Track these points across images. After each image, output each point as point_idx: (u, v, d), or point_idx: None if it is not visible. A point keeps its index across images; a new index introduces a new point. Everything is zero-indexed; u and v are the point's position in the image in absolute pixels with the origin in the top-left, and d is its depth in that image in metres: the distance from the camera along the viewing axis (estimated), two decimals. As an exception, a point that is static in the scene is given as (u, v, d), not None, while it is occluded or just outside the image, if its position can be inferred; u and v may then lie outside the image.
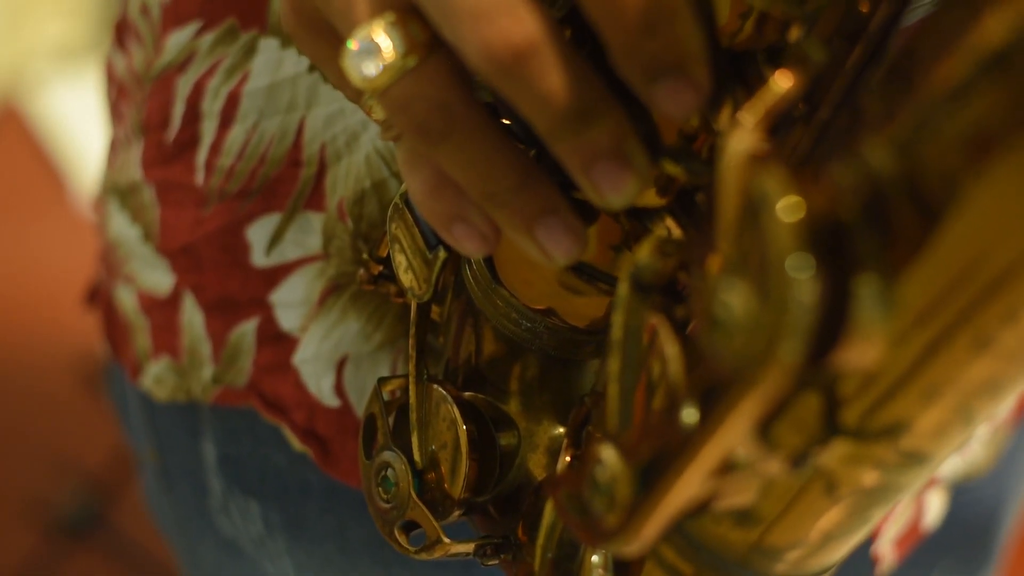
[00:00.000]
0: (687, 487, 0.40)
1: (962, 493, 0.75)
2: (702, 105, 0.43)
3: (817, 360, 0.37)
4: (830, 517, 0.44)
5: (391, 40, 0.43)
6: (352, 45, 0.43)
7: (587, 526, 0.44)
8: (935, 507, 0.72)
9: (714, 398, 0.38)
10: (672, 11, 0.41)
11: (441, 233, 0.47)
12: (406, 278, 0.53)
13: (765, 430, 0.40)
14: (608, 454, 0.42)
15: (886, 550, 0.71)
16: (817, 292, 0.36)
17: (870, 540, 0.70)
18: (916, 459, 0.42)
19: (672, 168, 0.46)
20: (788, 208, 0.36)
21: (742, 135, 0.38)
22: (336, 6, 0.44)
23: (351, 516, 0.66)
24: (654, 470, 0.41)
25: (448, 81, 0.43)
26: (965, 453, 0.72)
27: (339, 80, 0.47)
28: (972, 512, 0.76)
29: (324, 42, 0.46)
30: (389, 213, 0.53)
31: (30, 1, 2.38)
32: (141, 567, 1.80)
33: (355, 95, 0.47)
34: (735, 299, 0.37)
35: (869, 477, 0.42)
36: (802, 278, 0.35)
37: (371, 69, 0.43)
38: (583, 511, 0.44)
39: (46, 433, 1.91)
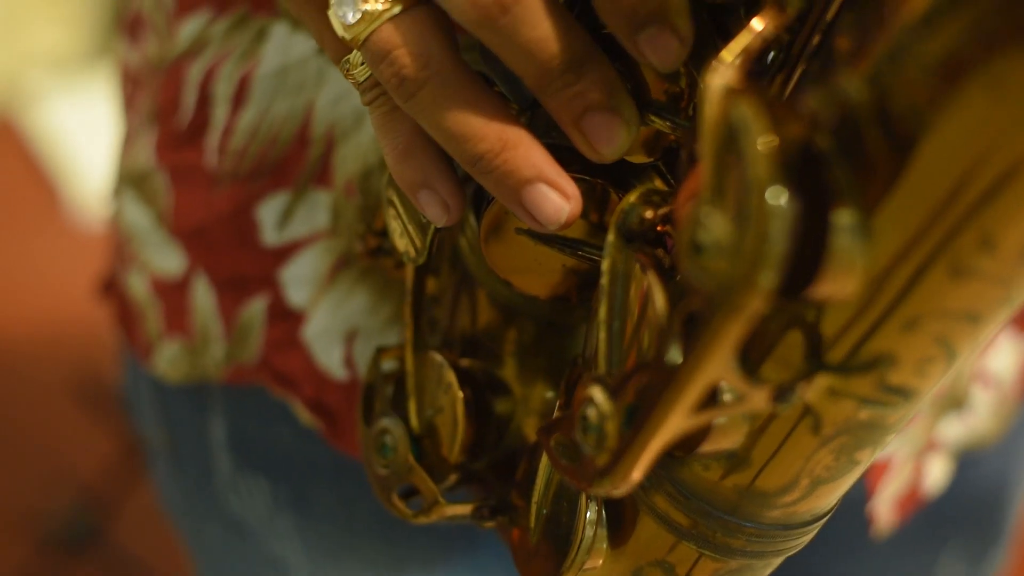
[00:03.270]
0: (673, 421, 0.41)
1: (970, 468, 0.75)
2: (686, 55, 0.44)
3: (797, 293, 0.38)
4: (818, 459, 0.45)
5: None
6: None
7: (577, 469, 0.44)
8: (936, 471, 0.72)
9: (696, 328, 0.39)
10: None
11: (409, 198, 0.48)
12: (401, 243, 0.53)
13: (750, 367, 0.41)
14: (596, 394, 0.43)
15: (884, 509, 0.71)
16: (793, 218, 0.36)
17: (866, 498, 0.70)
18: (900, 394, 0.42)
19: (659, 123, 0.47)
20: (766, 137, 0.37)
21: (721, 70, 0.39)
22: None
23: (358, 493, 0.67)
24: (641, 407, 0.42)
25: (430, 32, 0.44)
26: (969, 421, 0.73)
27: (322, 37, 0.48)
28: (981, 488, 0.77)
29: (311, 1, 0.47)
30: (384, 179, 0.54)
31: (24, 12, 2.39)
32: (137, 581, 1.80)
33: (336, 56, 0.48)
34: (715, 226, 0.37)
35: (854, 413, 0.43)
36: (779, 205, 0.36)
37: (352, 16, 0.44)
38: (574, 455, 0.45)
39: (41, 445, 1.91)
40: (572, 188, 0.47)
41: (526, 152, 0.46)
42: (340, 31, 0.45)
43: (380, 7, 0.44)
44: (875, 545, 0.73)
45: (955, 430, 0.73)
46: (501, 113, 0.46)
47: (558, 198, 0.46)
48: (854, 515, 0.71)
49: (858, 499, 0.70)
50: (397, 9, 0.44)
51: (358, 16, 0.44)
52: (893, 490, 0.71)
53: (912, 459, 0.71)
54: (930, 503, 0.74)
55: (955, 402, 0.72)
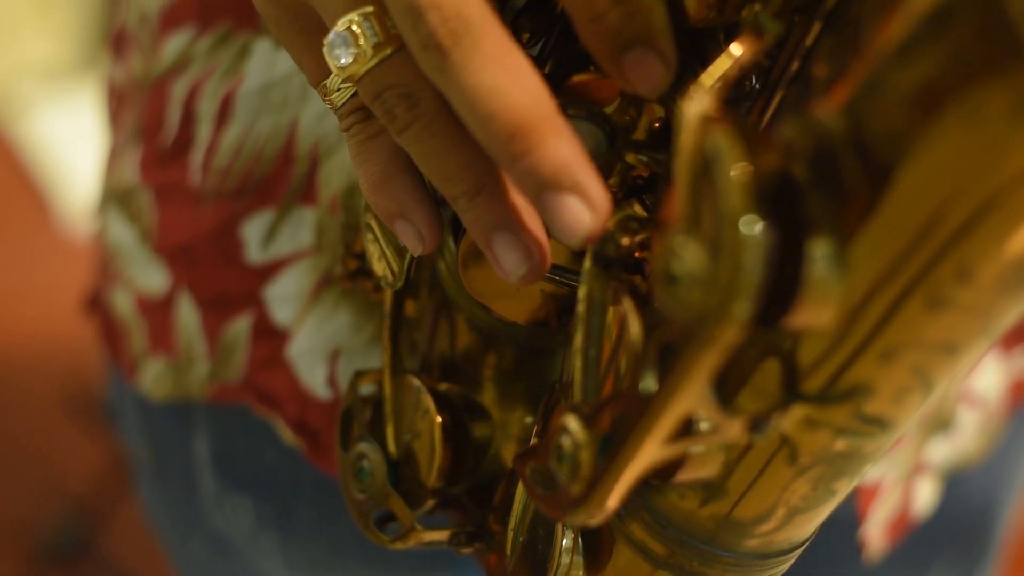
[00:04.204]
0: (647, 451, 0.40)
1: (957, 486, 0.75)
2: (671, 79, 0.44)
3: (773, 323, 0.38)
4: (795, 488, 0.44)
5: (364, 31, 0.44)
6: (329, 34, 0.45)
7: (552, 498, 0.44)
8: (925, 494, 0.72)
9: (670, 358, 0.39)
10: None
11: (387, 225, 0.49)
12: (379, 267, 0.53)
13: (726, 397, 0.41)
14: (571, 422, 0.43)
15: (875, 534, 0.71)
16: (768, 248, 0.36)
17: (857, 524, 0.70)
18: (877, 424, 0.42)
19: (633, 159, 0.47)
20: (740, 166, 0.37)
21: (698, 97, 0.39)
22: None
23: (341, 512, 0.67)
24: (615, 436, 0.41)
25: (417, 73, 0.44)
26: (956, 441, 0.73)
27: (301, 60, 0.48)
28: (968, 506, 0.77)
29: (293, 24, 0.47)
30: (363, 203, 0.54)
31: (14, 22, 2.39)
32: (127, 593, 1.80)
33: (314, 79, 0.48)
34: (690, 256, 0.37)
35: (830, 443, 0.42)
36: (753, 234, 0.36)
37: (345, 58, 0.44)
38: (549, 484, 0.44)
39: (31, 456, 1.90)
40: (540, 245, 0.47)
41: (500, 200, 0.46)
42: (335, 71, 0.46)
43: (371, 50, 0.44)
44: (864, 567, 0.73)
45: (942, 451, 0.73)
46: (482, 158, 0.46)
47: (523, 251, 0.46)
48: (845, 540, 0.70)
49: (849, 524, 0.70)
50: (388, 51, 0.44)
51: (350, 59, 0.45)
52: (883, 514, 0.71)
53: (901, 482, 0.71)
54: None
55: (941, 423, 0.72)
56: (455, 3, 0.42)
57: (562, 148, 0.42)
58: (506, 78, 0.42)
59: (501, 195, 0.46)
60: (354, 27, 0.45)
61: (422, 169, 0.47)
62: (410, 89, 0.45)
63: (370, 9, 0.44)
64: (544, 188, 0.42)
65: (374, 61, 0.45)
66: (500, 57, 0.42)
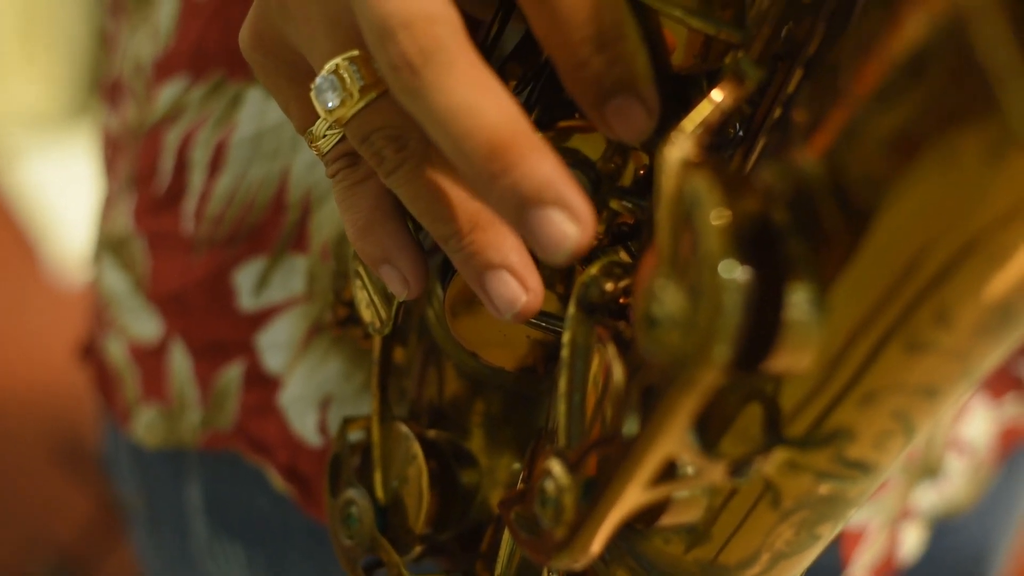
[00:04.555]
0: (630, 494, 0.40)
1: (947, 535, 0.75)
2: (653, 126, 0.44)
3: (753, 367, 0.38)
4: (779, 533, 0.44)
5: (351, 75, 0.44)
6: (317, 78, 0.45)
7: (536, 542, 0.44)
8: (911, 540, 0.72)
9: (651, 403, 0.39)
10: (619, 28, 0.43)
11: (372, 271, 0.49)
12: (367, 314, 0.53)
13: (709, 440, 0.41)
14: (555, 467, 0.43)
15: None
16: (747, 292, 0.36)
17: (840, 569, 0.70)
18: (859, 468, 0.42)
19: (617, 205, 0.48)
20: (719, 210, 0.37)
21: (679, 142, 0.39)
22: (304, 38, 0.46)
23: (332, 560, 0.67)
24: (598, 480, 0.42)
25: (404, 115, 0.44)
26: (944, 489, 0.73)
27: (288, 107, 0.48)
28: (959, 555, 0.77)
29: (280, 70, 0.48)
30: (351, 251, 0.54)
31: (2, 70, 2.39)
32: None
33: (301, 126, 0.48)
34: (670, 299, 0.37)
35: (813, 487, 0.42)
36: (732, 278, 0.36)
37: (332, 102, 0.45)
38: (533, 528, 0.44)
39: (20, 506, 1.89)
40: (535, 281, 0.47)
41: (494, 237, 0.46)
42: (323, 115, 0.46)
43: (358, 93, 0.45)
44: None
45: (930, 498, 0.72)
46: (472, 196, 0.46)
47: (517, 288, 0.46)
48: None
49: (833, 569, 0.70)
50: (374, 94, 0.45)
51: (338, 102, 0.45)
52: (868, 559, 0.71)
53: (887, 527, 0.71)
54: (908, 572, 0.74)
55: (929, 470, 0.72)
56: (426, 23, 0.41)
57: (543, 164, 0.41)
58: (480, 96, 0.42)
59: (492, 234, 0.46)
60: (341, 71, 0.45)
61: (412, 211, 0.47)
62: (398, 131, 0.45)
63: (356, 53, 0.45)
64: (527, 205, 0.41)
65: (361, 104, 0.45)
66: (473, 76, 0.42)
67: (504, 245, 0.46)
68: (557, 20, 0.43)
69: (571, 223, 0.41)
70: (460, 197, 0.46)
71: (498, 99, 0.42)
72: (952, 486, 0.73)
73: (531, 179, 0.41)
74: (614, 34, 0.43)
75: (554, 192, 0.41)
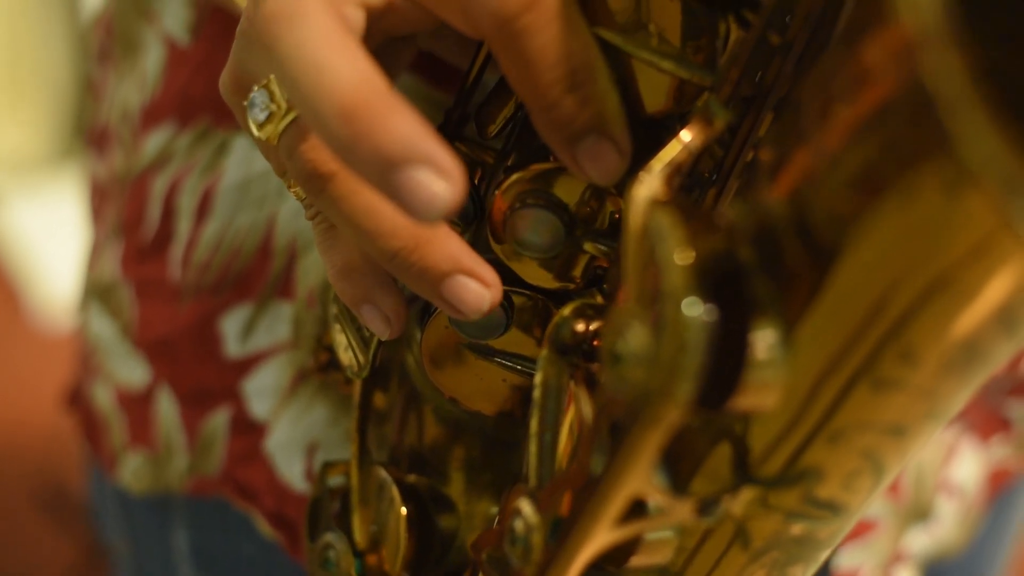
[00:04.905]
0: (597, 533, 0.40)
1: None
2: (625, 167, 0.44)
3: (719, 405, 0.38)
4: (750, 574, 0.44)
5: (280, 90, 0.44)
6: (250, 94, 0.45)
7: (507, 583, 0.44)
8: None
9: (617, 439, 0.39)
10: (590, 69, 0.43)
11: (353, 313, 0.49)
12: (346, 357, 0.54)
13: (680, 480, 0.41)
14: (524, 506, 0.43)
15: None
16: (710, 330, 0.36)
17: None
18: (829, 508, 0.42)
19: (593, 248, 0.48)
20: (683, 248, 0.37)
21: (646, 181, 0.39)
22: (262, 73, 0.46)
23: None
24: (566, 519, 0.42)
25: None
26: (935, 531, 0.72)
27: (267, 152, 0.48)
28: None
29: None
30: (331, 294, 0.54)
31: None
32: None
33: (280, 169, 0.48)
34: (634, 336, 0.37)
35: (783, 527, 0.42)
36: (695, 316, 0.36)
37: (260, 116, 0.44)
38: (504, 568, 0.44)
39: (3, 551, 1.88)
40: (491, 275, 0.46)
41: (441, 245, 0.45)
42: (255, 133, 0.45)
43: (285, 106, 0.44)
44: None
45: (921, 541, 0.72)
46: None
47: (478, 287, 0.46)
48: None
49: None
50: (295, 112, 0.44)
51: (265, 115, 0.45)
52: None
53: (879, 571, 0.70)
54: None
55: (920, 513, 0.71)
56: None
57: (403, 123, 0.39)
58: (333, 54, 0.40)
59: (441, 240, 0.45)
60: (271, 85, 0.44)
61: (352, 233, 0.45)
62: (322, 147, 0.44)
63: None
64: (392, 167, 0.39)
65: (290, 117, 0.44)
66: (326, 33, 0.41)
67: (453, 250, 0.46)
68: (527, 62, 0.43)
69: (439, 180, 0.39)
70: (397, 211, 0.43)
71: (352, 57, 0.41)
72: (943, 529, 0.73)
73: (392, 139, 0.39)
74: (584, 76, 0.43)
75: (417, 150, 0.39)
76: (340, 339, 0.54)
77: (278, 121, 0.44)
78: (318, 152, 0.44)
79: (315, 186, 0.45)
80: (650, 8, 0.44)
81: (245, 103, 0.45)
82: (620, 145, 0.44)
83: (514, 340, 0.51)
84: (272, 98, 0.44)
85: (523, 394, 0.52)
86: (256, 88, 0.45)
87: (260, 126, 0.45)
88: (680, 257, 0.37)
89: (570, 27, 0.43)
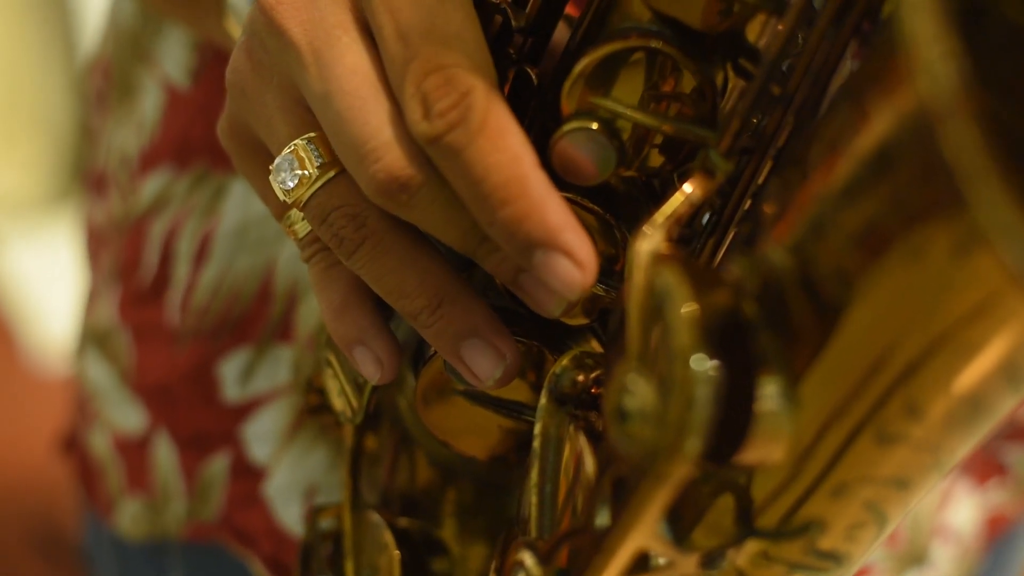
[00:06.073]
0: (602, 587, 0.40)
1: None
2: (590, 277, 0.43)
3: (725, 460, 0.38)
4: (753, 625, 0.44)
5: (308, 155, 0.44)
6: (276, 159, 0.45)
7: (508, 635, 0.44)
8: None
9: (623, 495, 0.39)
10: (520, 179, 0.42)
11: (344, 354, 0.48)
12: (339, 403, 0.53)
13: (682, 532, 0.41)
14: (527, 558, 0.43)
15: None
16: (718, 385, 0.36)
17: None
18: (832, 559, 0.42)
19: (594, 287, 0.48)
20: (690, 304, 0.37)
21: (649, 235, 0.39)
22: (263, 124, 0.46)
23: None
24: (570, 572, 0.41)
25: (361, 194, 0.44)
26: None
27: (265, 196, 0.48)
28: None
29: (254, 159, 0.48)
30: (323, 339, 0.54)
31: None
32: None
33: (278, 213, 0.48)
34: (640, 393, 0.37)
35: (786, 580, 0.42)
36: (703, 372, 0.36)
37: (290, 182, 0.45)
38: (505, 620, 0.44)
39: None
40: (509, 345, 0.47)
41: (463, 308, 0.46)
42: (281, 196, 0.46)
43: (316, 172, 0.45)
44: None
45: None
46: (438, 269, 0.46)
47: (494, 355, 0.46)
48: None
49: None
50: (332, 173, 0.45)
51: (295, 181, 0.45)
52: None
53: None
54: None
55: (916, 558, 0.72)
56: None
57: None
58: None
59: (463, 303, 0.46)
60: (299, 151, 0.45)
61: (378, 290, 0.46)
62: (356, 209, 0.45)
63: (314, 134, 0.45)
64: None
65: (319, 183, 0.45)
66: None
67: (475, 314, 0.46)
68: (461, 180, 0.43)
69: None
70: (425, 271, 0.45)
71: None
72: (939, 574, 0.73)
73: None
74: (515, 185, 0.42)
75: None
76: (332, 384, 0.54)
77: (308, 186, 0.45)
78: (347, 219, 0.45)
79: (347, 248, 0.45)
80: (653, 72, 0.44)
81: (271, 167, 0.45)
82: (578, 256, 0.42)
83: (509, 386, 0.50)
84: (302, 164, 0.44)
85: (517, 439, 0.52)
86: (283, 153, 0.45)
87: (288, 192, 0.45)
88: (687, 314, 0.37)
89: (495, 142, 0.42)
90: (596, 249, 0.45)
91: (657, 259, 0.38)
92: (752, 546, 0.41)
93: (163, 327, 0.67)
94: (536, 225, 0.41)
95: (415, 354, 0.52)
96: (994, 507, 0.75)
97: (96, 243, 0.75)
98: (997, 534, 0.77)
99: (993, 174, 0.31)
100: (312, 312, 0.63)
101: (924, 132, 0.32)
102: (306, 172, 0.45)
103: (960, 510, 0.73)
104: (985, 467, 0.74)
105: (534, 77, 0.46)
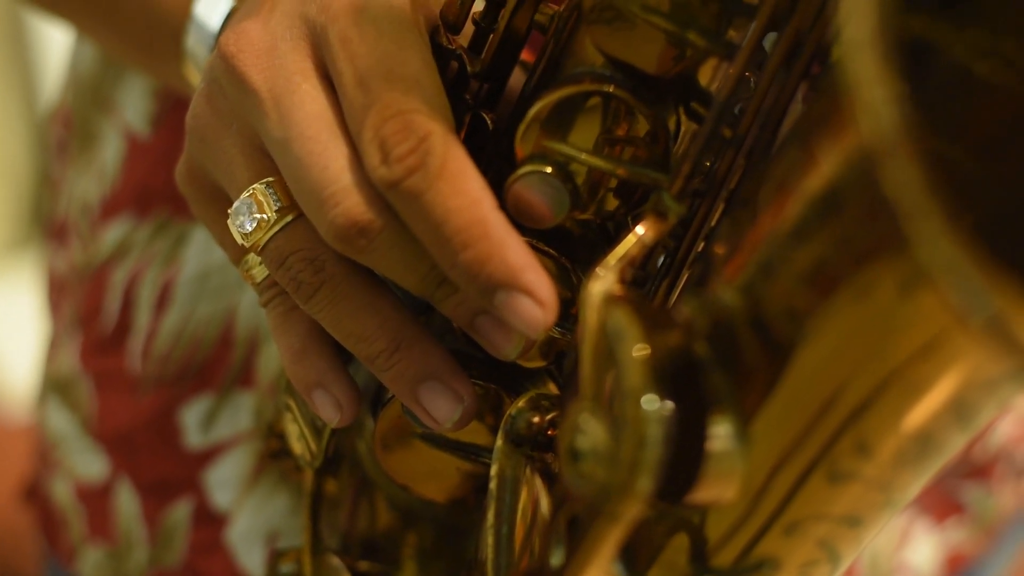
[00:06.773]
0: (557, 627, 0.40)
1: None
2: (552, 316, 0.43)
3: (678, 499, 0.38)
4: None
5: (267, 199, 0.45)
6: (234, 203, 0.45)
7: (466, 677, 0.44)
8: None
9: (577, 534, 0.39)
10: (481, 221, 0.42)
11: (303, 398, 0.48)
12: (298, 447, 0.53)
13: (637, 571, 0.41)
14: (483, 601, 0.43)
15: None
16: (669, 425, 0.37)
17: None
18: (786, 598, 0.42)
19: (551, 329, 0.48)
20: (641, 345, 0.37)
21: (602, 276, 0.40)
22: (222, 169, 0.46)
23: None
24: (526, 613, 0.42)
25: (319, 239, 0.45)
26: None
27: (223, 240, 0.48)
28: None
29: (212, 204, 0.48)
30: (283, 384, 0.54)
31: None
32: None
33: (235, 258, 0.48)
34: (593, 433, 0.38)
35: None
36: (654, 412, 0.37)
37: (248, 225, 0.45)
38: (462, 662, 0.44)
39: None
40: (467, 388, 0.47)
41: (421, 351, 0.46)
42: (239, 239, 0.46)
43: (274, 216, 0.45)
44: None
45: None
46: (395, 313, 0.46)
47: (452, 398, 0.46)
48: None
49: None
50: (290, 217, 0.45)
51: (254, 225, 0.45)
52: None
53: None
54: None
55: None
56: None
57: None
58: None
59: (420, 346, 0.46)
60: (258, 195, 0.45)
61: (335, 334, 0.46)
62: (314, 253, 0.45)
63: (273, 178, 0.45)
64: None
65: (278, 227, 0.45)
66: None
67: (432, 357, 0.46)
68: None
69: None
70: (382, 315, 0.46)
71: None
72: None
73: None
74: (476, 227, 0.42)
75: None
76: (292, 429, 0.54)
77: (267, 229, 0.45)
78: (305, 263, 0.45)
79: (305, 293, 0.45)
80: (606, 116, 0.44)
81: (229, 211, 0.45)
82: (539, 295, 0.42)
83: (467, 429, 0.51)
84: (260, 208, 0.45)
85: (476, 482, 0.52)
86: (241, 197, 0.45)
87: (246, 235, 0.45)
88: (638, 354, 0.37)
89: (454, 186, 0.42)
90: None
91: (609, 300, 0.39)
92: (708, 585, 0.41)
93: (124, 375, 0.67)
94: (498, 266, 0.41)
95: (374, 398, 0.52)
96: (953, 546, 0.75)
97: (57, 292, 0.75)
98: (956, 572, 0.77)
99: (934, 212, 0.31)
100: (273, 358, 0.63)
101: (868, 172, 0.33)
102: (264, 216, 0.45)
103: (919, 549, 0.73)
104: (943, 506, 0.74)
105: (490, 122, 0.47)
